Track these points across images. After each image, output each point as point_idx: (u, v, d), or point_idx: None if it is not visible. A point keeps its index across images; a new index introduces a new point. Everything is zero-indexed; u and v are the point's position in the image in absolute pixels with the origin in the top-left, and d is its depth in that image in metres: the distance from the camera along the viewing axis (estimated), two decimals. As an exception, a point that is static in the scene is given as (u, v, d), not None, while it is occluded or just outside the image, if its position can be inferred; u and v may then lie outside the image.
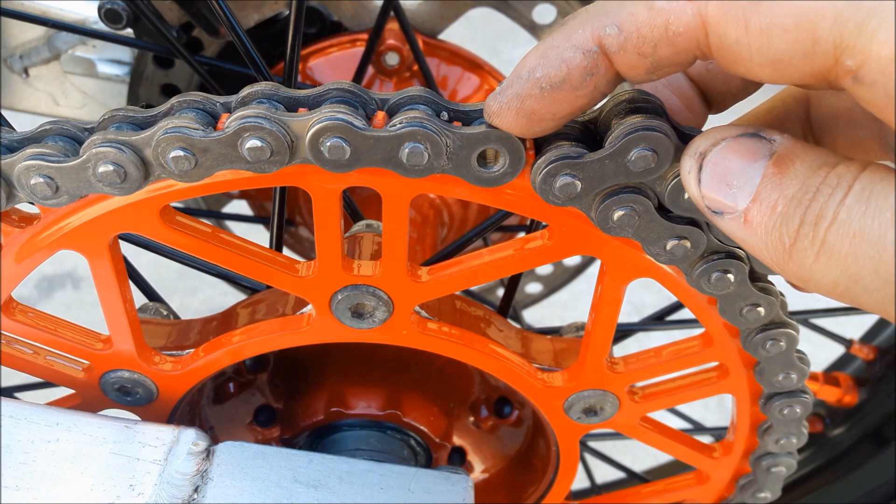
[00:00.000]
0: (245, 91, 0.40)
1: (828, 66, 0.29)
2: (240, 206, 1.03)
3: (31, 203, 0.43)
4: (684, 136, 0.37)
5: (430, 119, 0.38)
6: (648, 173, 0.38)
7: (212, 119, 0.40)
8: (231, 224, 1.06)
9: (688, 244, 0.42)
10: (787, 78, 0.30)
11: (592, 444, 0.90)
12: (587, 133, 0.40)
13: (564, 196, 0.39)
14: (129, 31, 0.74)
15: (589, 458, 0.98)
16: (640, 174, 0.38)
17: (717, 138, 0.34)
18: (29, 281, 1.74)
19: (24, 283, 1.73)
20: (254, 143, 0.38)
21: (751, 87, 0.41)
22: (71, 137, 0.42)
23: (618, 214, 0.40)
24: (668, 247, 0.42)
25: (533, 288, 1.20)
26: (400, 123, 0.38)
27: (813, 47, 0.28)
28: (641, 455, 1.22)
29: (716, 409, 1.58)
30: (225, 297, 1.70)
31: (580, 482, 1.02)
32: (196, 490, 0.49)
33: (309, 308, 0.50)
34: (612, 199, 0.40)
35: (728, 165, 0.33)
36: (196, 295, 1.76)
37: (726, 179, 0.33)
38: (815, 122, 0.42)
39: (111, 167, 0.40)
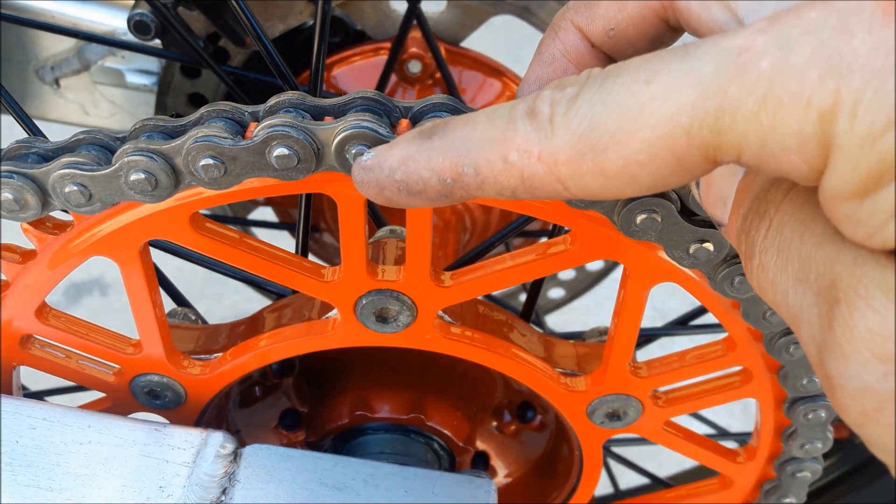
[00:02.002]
0: (272, 100, 0.41)
1: (707, 168, 0.27)
2: (265, 213, 1.04)
3: (65, 211, 0.44)
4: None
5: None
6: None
7: (240, 128, 0.41)
8: (256, 230, 1.08)
9: (711, 247, 0.42)
10: (671, 188, 0.28)
11: (616, 449, 0.89)
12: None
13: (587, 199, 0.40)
14: (157, 42, 0.76)
15: (613, 463, 0.98)
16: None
17: None
18: (57, 287, 1.77)
19: (53, 290, 1.75)
20: (281, 150, 0.39)
21: (662, 44, 0.37)
22: (103, 146, 0.43)
23: (640, 218, 0.41)
24: (691, 250, 0.42)
25: (555, 293, 1.20)
26: (424, 130, 0.39)
27: (680, 166, 0.27)
28: (666, 461, 1.21)
29: (741, 416, 1.57)
30: (250, 303, 1.72)
31: (604, 488, 1.01)
32: (224, 492, 0.50)
33: (334, 312, 0.51)
34: (634, 202, 0.40)
35: (715, 182, 0.33)
36: (221, 301, 1.78)
37: (716, 195, 0.33)
38: None
39: (143, 175, 0.41)
